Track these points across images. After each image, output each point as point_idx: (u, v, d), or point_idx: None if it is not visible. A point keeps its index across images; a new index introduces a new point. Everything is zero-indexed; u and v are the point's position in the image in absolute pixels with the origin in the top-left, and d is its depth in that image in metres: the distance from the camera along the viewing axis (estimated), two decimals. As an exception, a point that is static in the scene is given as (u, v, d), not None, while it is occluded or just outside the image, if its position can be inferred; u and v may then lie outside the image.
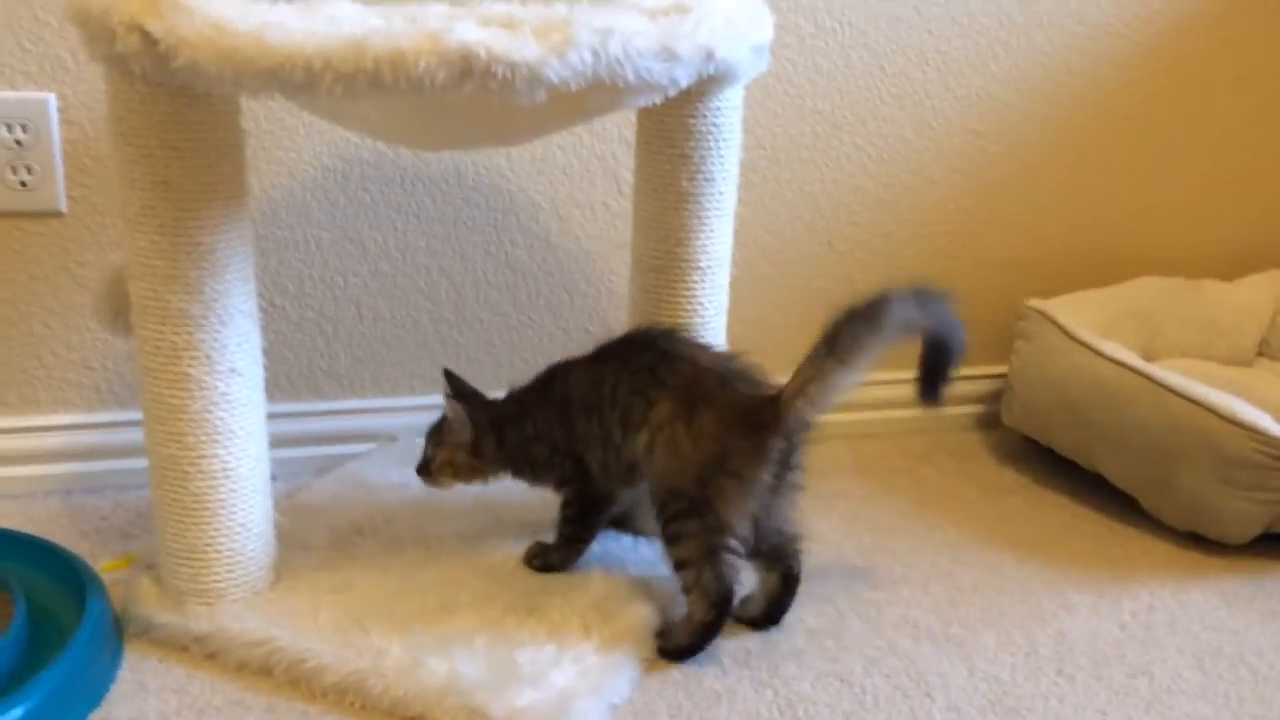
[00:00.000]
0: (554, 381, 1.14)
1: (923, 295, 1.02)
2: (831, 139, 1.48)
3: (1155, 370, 1.33)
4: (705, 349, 1.10)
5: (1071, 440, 1.42)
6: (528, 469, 1.16)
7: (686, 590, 1.04)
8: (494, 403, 1.17)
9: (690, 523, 1.02)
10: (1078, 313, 1.46)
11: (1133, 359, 1.36)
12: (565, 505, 1.14)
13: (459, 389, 1.16)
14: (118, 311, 1.03)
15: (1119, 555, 1.28)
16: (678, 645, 1.05)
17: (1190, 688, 1.05)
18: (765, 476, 1.02)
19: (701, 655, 1.05)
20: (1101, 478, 1.39)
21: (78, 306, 1.29)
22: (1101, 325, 1.45)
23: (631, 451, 1.06)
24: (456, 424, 1.14)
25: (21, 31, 1.20)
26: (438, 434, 1.17)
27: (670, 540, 1.04)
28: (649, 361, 1.06)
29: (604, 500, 1.14)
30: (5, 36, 1.19)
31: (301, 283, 1.35)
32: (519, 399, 1.16)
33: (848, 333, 1.00)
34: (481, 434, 1.14)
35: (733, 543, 1.02)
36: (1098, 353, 1.37)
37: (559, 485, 1.14)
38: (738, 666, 1.04)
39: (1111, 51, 1.54)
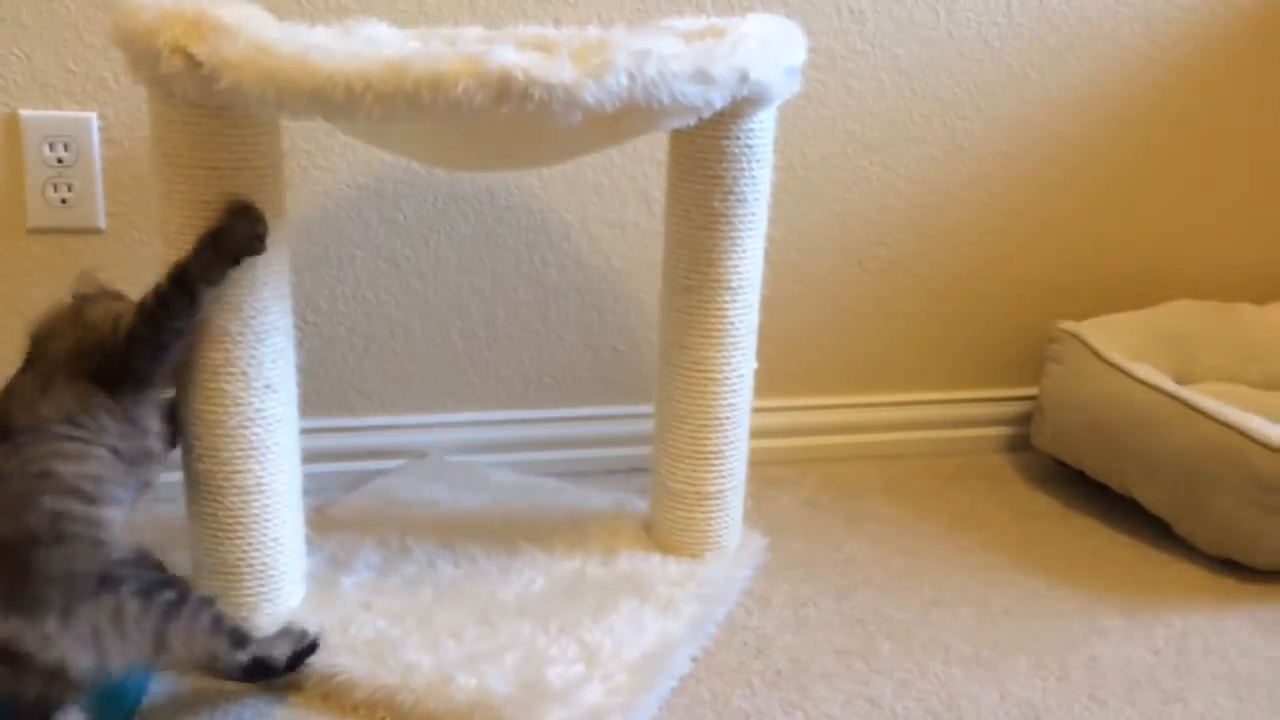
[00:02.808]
0: None
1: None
2: (862, 159, 1.48)
3: (1188, 394, 1.32)
4: (30, 449, 0.88)
5: (1103, 464, 1.41)
6: None
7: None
8: None
9: None
10: (1110, 335, 1.45)
11: (1166, 382, 1.35)
12: None
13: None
14: None
15: (1152, 580, 1.27)
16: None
17: (1226, 715, 1.03)
18: None
19: (730, 675, 1.05)
20: (1133, 502, 1.38)
21: (115, 322, 1.31)
22: (1134, 348, 1.44)
23: None
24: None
25: (66, 53, 1.22)
26: None
27: None
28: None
29: None
30: (50, 57, 1.22)
31: (334, 300, 1.37)
32: None
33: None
34: None
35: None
36: (1130, 376, 1.37)
37: None
38: (767, 688, 1.04)
39: (1144, 74, 1.54)
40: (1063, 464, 1.49)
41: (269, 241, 0.97)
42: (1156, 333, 1.52)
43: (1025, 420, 1.57)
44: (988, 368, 1.61)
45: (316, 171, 1.32)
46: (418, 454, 1.43)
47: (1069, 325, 1.48)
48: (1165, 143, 1.58)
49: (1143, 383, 1.35)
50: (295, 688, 1.00)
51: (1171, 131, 1.58)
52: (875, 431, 1.57)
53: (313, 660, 0.99)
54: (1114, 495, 1.41)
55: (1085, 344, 1.44)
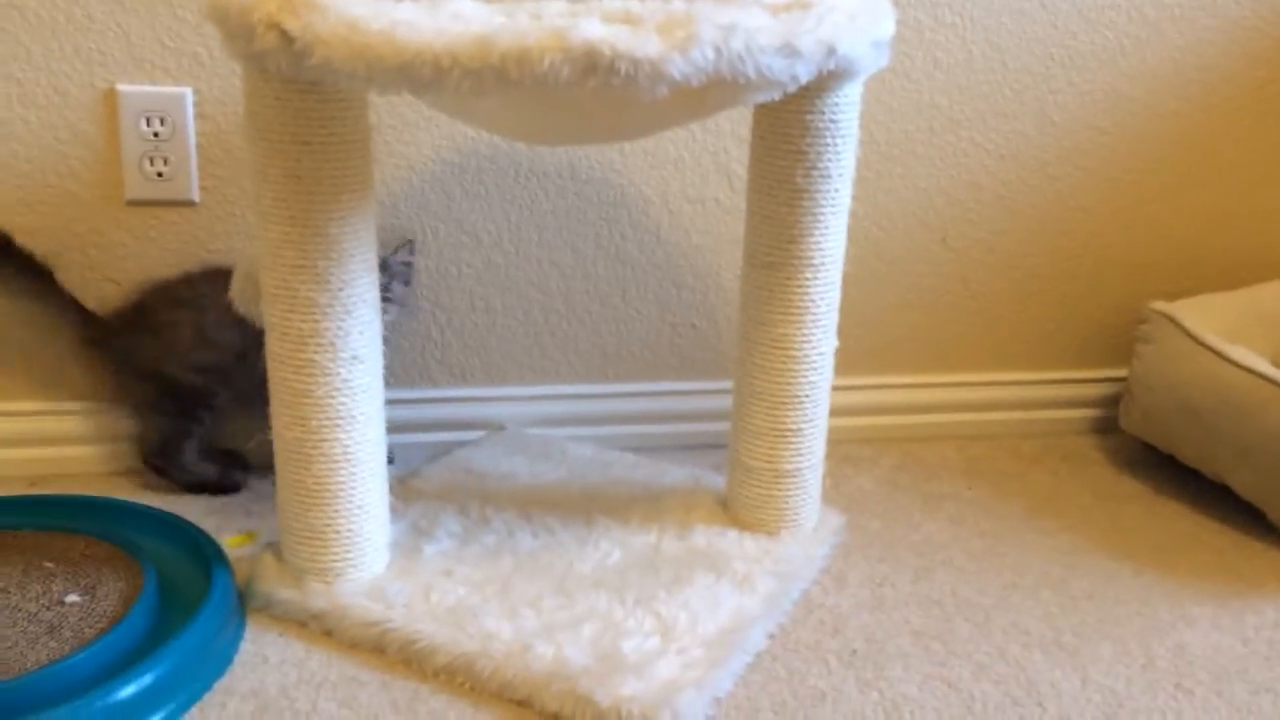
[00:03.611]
0: None
1: None
2: (949, 135, 1.45)
3: (1287, 378, 1.28)
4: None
5: (1194, 448, 1.37)
6: None
7: None
8: None
9: None
10: (1204, 316, 1.41)
11: (1263, 365, 1.30)
12: None
13: None
14: (254, 298, 1.07)
15: (1243, 569, 1.24)
16: None
17: (1319, 710, 1.01)
18: None
19: (806, 653, 1.05)
20: (1225, 488, 1.34)
21: (208, 292, 1.34)
22: (1229, 330, 1.40)
23: None
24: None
25: (161, 29, 1.25)
26: None
27: None
28: None
29: None
30: (146, 33, 1.25)
31: (417, 273, 1.39)
32: None
33: None
34: None
35: None
36: (1225, 358, 1.33)
37: None
38: (843, 666, 1.04)
39: (1243, 46, 1.48)
40: (1152, 448, 1.45)
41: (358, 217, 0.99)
42: (1253, 314, 1.47)
43: (1113, 402, 1.54)
44: (1074, 348, 1.58)
45: (401, 146, 1.34)
46: (496, 426, 1.45)
47: (1161, 305, 1.44)
48: (1264, 117, 1.52)
49: (1238, 365, 1.31)
50: (378, 651, 1.02)
51: (1272, 105, 1.52)
52: (956, 411, 1.55)
53: (395, 625, 1.02)
54: (1205, 481, 1.37)
55: (1178, 325, 1.40)
